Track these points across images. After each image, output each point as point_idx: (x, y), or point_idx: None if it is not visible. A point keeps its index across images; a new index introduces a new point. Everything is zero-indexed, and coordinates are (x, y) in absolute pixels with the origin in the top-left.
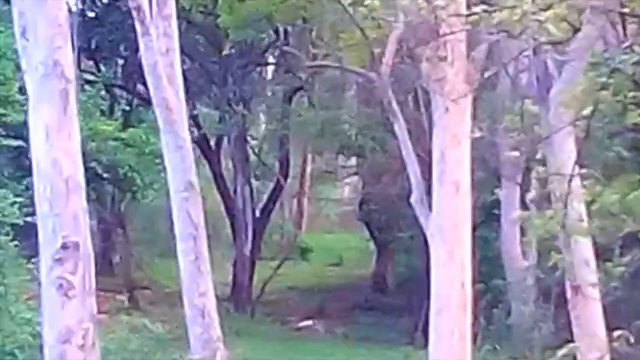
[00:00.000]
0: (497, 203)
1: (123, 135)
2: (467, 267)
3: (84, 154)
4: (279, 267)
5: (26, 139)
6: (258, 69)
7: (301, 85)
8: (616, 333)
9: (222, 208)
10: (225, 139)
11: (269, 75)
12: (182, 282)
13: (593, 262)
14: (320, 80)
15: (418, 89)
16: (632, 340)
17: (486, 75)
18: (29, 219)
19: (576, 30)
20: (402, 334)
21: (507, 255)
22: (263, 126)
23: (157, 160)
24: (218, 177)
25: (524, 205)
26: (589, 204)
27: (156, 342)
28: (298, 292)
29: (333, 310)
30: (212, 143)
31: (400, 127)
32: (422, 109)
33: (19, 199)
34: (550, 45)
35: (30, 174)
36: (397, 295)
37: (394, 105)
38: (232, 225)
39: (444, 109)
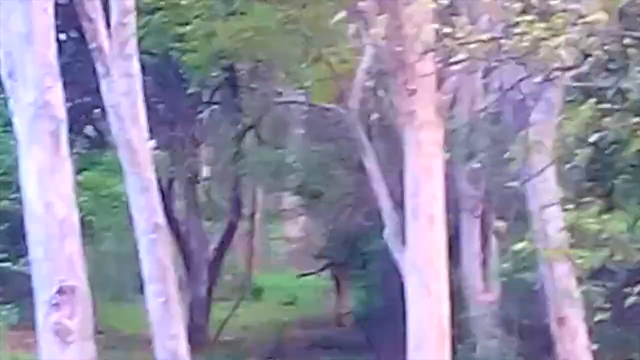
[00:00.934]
0: (455, 237)
1: (79, 178)
2: (443, 301)
3: None
4: (236, 307)
5: None
6: (208, 108)
7: (252, 124)
8: None
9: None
10: (176, 180)
11: (218, 115)
12: (152, 325)
13: (577, 294)
14: (268, 119)
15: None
16: None
17: (483, 107)
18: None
19: (586, 56)
20: None
21: (470, 290)
22: (212, 167)
23: (114, 204)
24: (170, 219)
25: (483, 238)
26: (598, 233)
27: None
28: (254, 332)
29: (291, 350)
30: (163, 184)
31: (370, 162)
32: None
33: None
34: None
35: None
36: (355, 332)
37: (364, 139)
38: (187, 266)
39: (416, 142)
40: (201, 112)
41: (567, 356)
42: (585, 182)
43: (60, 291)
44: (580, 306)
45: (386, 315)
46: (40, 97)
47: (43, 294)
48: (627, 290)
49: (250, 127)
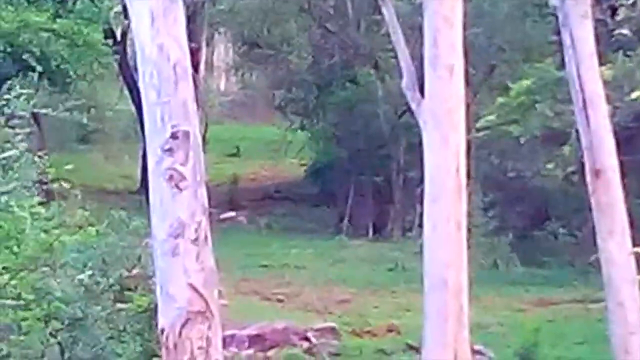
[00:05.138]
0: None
1: (54, 26)
2: (461, 153)
3: (13, 46)
4: None
5: None
6: None
7: None
8: None
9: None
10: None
11: None
12: None
13: (613, 147)
14: None
15: None
16: None
17: None
18: None
19: None
20: (323, 224)
21: None
22: None
23: (89, 52)
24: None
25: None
26: None
27: None
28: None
29: (244, 202)
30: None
31: (389, 12)
32: None
33: None
34: None
35: None
36: (310, 184)
37: None
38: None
39: None
40: None
41: (600, 208)
42: None
43: (173, 136)
44: (616, 159)
45: (346, 168)
46: None
47: (156, 140)
48: None
49: None
